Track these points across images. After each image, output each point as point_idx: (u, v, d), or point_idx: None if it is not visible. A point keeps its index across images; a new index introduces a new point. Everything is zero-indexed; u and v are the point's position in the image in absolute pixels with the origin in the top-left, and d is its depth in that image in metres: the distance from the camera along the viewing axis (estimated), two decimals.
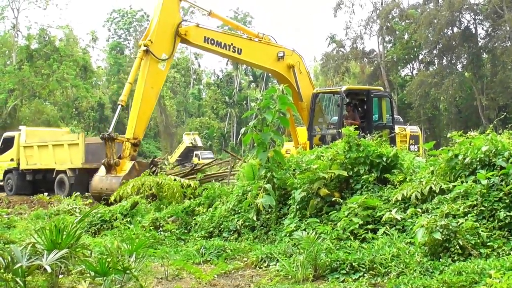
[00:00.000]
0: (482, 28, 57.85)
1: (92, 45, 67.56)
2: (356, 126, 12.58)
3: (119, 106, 18.48)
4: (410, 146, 19.32)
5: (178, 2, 19.10)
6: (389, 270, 7.40)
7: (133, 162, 17.78)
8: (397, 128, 19.47)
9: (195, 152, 56.90)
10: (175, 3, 18.97)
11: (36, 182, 27.03)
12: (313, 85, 22.32)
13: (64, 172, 24.95)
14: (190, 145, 59.01)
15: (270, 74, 56.37)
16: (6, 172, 27.84)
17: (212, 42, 19.44)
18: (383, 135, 13.33)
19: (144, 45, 17.96)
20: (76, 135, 26.13)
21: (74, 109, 68.47)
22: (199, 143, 60.90)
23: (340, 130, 16.61)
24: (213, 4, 23.20)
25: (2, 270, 6.20)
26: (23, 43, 58.98)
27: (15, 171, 27.40)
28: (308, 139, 19.33)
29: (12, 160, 27.55)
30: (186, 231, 11.89)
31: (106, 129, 68.59)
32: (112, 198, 14.41)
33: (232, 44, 19.81)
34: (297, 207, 10.24)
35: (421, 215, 8.29)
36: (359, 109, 19.55)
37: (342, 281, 7.46)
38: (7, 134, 29.92)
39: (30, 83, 54.62)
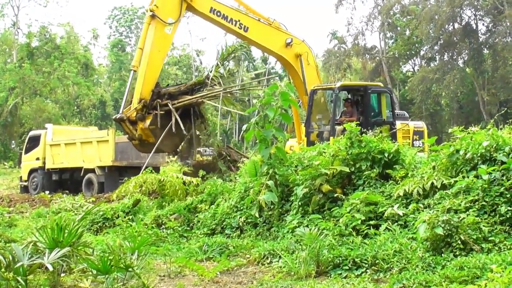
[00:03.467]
0: (483, 24, 57.77)
1: (93, 42, 67.49)
2: (354, 122, 12.53)
3: (131, 72, 18.82)
4: (414, 142, 19.18)
5: None
6: (391, 266, 7.42)
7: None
8: (398, 124, 19.40)
9: (197, 149, 56.44)
10: None
11: (63, 182, 25.92)
12: (321, 80, 22.09)
13: (93, 170, 23.85)
14: None
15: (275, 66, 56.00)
16: (31, 171, 26.69)
17: (219, 14, 19.34)
18: (383, 131, 13.31)
19: (150, 10, 18.27)
20: (106, 131, 25.06)
21: (75, 107, 68.28)
22: None
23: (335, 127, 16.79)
24: None
25: (3, 269, 6.20)
26: (24, 41, 58.81)
27: (41, 171, 26.22)
28: (305, 135, 19.21)
29: (37, 159, 26.41)
30: (188, 228, 11.94)
31: (108, 126, 68.72)
32: (114, 196, 14.47)
33: (239, 20, 19.69)
34: (299, 203, 10.26)
35: (423, 211, 8.30)
36: (358, 105, 19.49)
37: (345, 277, 7.47)
38: (33, 132, 29.16)
39: (31, 81, 54.44)
